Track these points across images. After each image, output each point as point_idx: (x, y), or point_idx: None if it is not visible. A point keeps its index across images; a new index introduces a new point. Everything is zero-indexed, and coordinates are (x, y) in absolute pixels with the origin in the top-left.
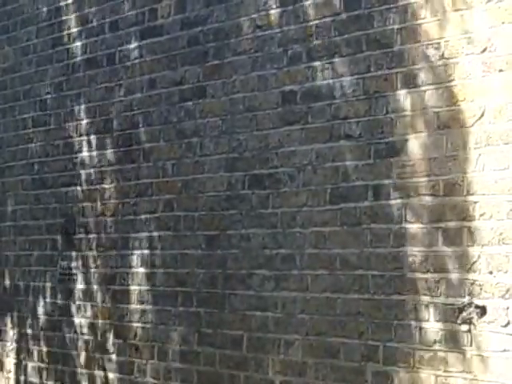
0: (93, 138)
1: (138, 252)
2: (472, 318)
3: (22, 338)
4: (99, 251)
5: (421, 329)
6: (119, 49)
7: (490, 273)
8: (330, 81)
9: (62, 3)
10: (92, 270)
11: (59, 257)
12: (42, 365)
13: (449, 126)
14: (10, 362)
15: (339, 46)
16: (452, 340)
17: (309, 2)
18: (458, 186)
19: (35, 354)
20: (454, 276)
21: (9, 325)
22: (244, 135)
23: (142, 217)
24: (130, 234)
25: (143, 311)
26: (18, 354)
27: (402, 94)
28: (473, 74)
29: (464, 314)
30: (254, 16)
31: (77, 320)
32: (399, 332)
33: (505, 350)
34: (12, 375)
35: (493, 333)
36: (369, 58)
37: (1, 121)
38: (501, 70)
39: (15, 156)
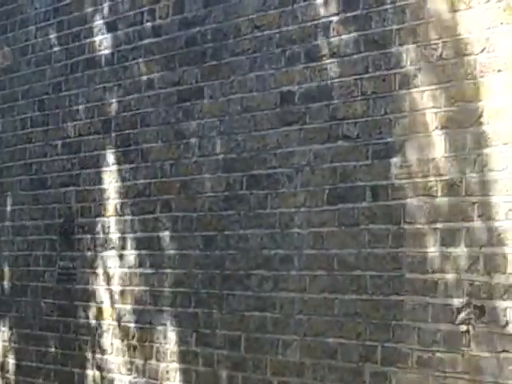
0: (91, 138)
1: (136, 252)
2: (470, 318)
3: (20, 339)
4: (98, 251)
5: (419, 329)
6: (117, 49)
7: (489, 273)
8: (328, 81)
9: (61, 3)
10: (90, 271)
11: (58, 257)
12: (41, 365)
13: (447, 127)
14: (8, 363)
15: (337, 47)
16: (450, 341)
17: (307, 3)
18: (456, 186)
19: (34, 354)
20: (453, 277)
21: (7, 325)
22: (242, 136)
23: (141, 217)
24: (128, 235)
25: (142, 311)
26: (16, 354)
27: (400, 94)
28: (471, 75)
29: (462, 314)
30: (252, 16)
31: (76, 320)
32: (397, 332)
33: (503, 351)
34: (11, 376)
35: (491, 333)
36: (367, 58)
37: None
38: (499, 71)
39: (14, 156)
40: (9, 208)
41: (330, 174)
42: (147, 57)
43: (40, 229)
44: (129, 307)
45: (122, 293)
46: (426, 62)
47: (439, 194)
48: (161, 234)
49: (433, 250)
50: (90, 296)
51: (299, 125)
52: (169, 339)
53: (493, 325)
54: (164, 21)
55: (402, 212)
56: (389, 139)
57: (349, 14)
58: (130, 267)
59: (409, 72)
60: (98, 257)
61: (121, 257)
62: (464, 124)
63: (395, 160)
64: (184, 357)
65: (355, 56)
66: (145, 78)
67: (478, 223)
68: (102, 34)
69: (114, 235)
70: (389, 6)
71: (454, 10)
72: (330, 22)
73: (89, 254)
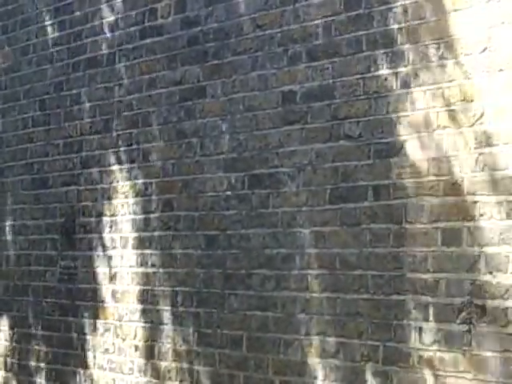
0: (93, 137)
1: (137, 252)
2: (472, 318)
3: (21, 338)
4: (99, 251)
5: (420, 329)
6: (119, 48)
7: (490, 273)
8: (330, 81)
9: (62, 3)
10: (92, 270)
11: (59, 256)
12: (42, 365)
13: (449, 126)
14: (9, 363)
15: (339, 46)
16: (452, 340)
17: (309, 2)
18: (457, 186)
19: (35, 354)
20: (454, 276)
21: (8, 325)
22: (244, 135)
23: (142, 216)
24: (130, 234)
25: (143, 311)
26: (17, 354)
27: (401, 94)
28: (473, 74)
29: (463, 314)
30: (254, 16)
31: (77, 320)
32: (399, 332)
33: (505, 350)
34: (12, 375)
35: (492, 333)
36: (369, 57)
37: (0, 120)
38: (501, 70)
39: (15, 156)
40: (10, 207)
41: (331, 173)
42: (149, 56)
43: (41, 228)
44: (130, 307)
45: (124, 292)
46: (427, 61)
47: (441, 193)
48: (162, 234)
49: (434, 249)
50: (92, 295)
51: (301, 124)
52: (170, 339)
53: (494, 324)
54: (166, 20)
55: (404, 211)
56: (390, 139)
57: (351, 14)
58: (131, 266)
59: (410, 71)
60: (99, 256)
61: (122, 256)
62: (465, 124)
63: (397, 159)
64: (186, 356)
65: (357, 55)
66: (146, 77)
67: (479, 223)
68: (104, 33)
69: (116, 235)
70: (390, 6)
71: (454, 9)
72: (332, 21)
73: (90, 253)
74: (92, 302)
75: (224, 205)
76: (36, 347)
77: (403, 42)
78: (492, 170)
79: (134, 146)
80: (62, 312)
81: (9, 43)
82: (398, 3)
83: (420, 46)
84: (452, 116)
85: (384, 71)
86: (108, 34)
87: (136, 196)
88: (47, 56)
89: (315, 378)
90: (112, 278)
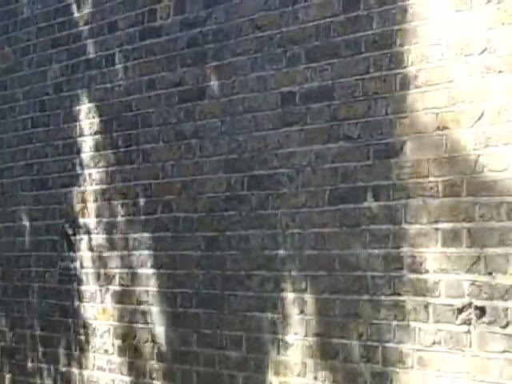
0: (92, 138)
1: (137, 253)
2: (471, 318)
3: (21, 339)
4: (98, 252)
5: (420, 330)
6: (118, 49)
7: (490, 274)
8: (329, 82)
9: (62, 4)
10: (91, 271)
11: (59, 257)
12: (43, 365)
13: (448, 127)
14: (9, 363)
15: (338, 47)
16: (451, 341)
17: (308, 3)
18: (457, 187)
19: (35, 354)
20: (454, 277)
21: (9, 325)
22: (243, 136)
23: (141, 217)
24: (129, 235)
25: (143, 312)
26: (17, 354)
27: (401, 95)
28: (472, 75)
29: (463, 314)
30: (253, 17)
31: (76, 321)
32: (398, 333)
33: (504, 351)
34: (12, 376)
35: (492, 334)
36: (368, 59)
37: (0, 121)
38: (500, 71)
39: (15, 156)
40: (9, 208)
41: (330, 174)
42: (148, 57)
43: (41, 229)
44: (130, 307)
45: (123, 293)
46: (426, 62)
47: (440, 194)
48: (162, 235)
49: (434, 250)
50: (91, 296)
51: (300, 125)
52: (170, 339)
53: (494, 325)
54: (165, 21)
55: (403, 212)
56: (390, 139)
57: (350, 15)
58: (131, 267)
59: (410, 72)
60: (98, 257)
61: (122, 257)
62: (465, 124)
63: (396, 160)
64: (185, 357)
65: (356, 56)
66: (146, 78)
67: (478, 223)
68: (103, 34)
69: (115, 236)
70: (389, 7)
71: (454, 10)
72: (331, 22)
73: (90, 254)
74: (91, 303)
75: (223, 206)
76: (36, 348)
77: (402, 43)
78: (492, 170)
79: (134, 147)
80: (61, 313)
81: (9, 43)
82: (397, 4)
83: (419, 47)
84: (451, 117)
85: (383, 72)
86: (108, 35)
87: (135, 197)
88: (47, 57)
89: (315, 378)
90: (112, 278)
